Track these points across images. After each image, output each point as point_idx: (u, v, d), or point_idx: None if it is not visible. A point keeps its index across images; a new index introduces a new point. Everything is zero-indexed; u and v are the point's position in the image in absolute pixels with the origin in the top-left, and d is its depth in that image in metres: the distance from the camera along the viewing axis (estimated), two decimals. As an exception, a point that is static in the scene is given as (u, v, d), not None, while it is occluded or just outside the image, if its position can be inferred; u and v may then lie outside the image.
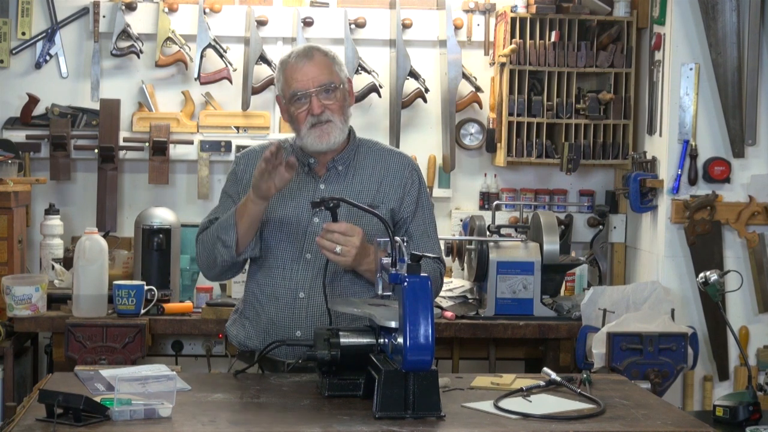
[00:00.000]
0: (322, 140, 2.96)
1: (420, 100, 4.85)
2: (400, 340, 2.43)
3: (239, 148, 4.73)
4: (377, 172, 3.06)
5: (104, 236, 4.24)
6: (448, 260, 4.64)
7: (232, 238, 2.92)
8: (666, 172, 4.42)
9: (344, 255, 2.83)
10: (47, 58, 4.77)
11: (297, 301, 2.98)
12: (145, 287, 4.10)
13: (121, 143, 4.74)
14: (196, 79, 4.75)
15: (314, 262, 2.98)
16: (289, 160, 2.84)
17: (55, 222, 4.60)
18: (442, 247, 4.50)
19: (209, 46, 4.73)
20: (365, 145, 3.11)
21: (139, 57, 4.77)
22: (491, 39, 4.85)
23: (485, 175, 4.94)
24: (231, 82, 4.77)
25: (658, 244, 4.49)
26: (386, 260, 2.59)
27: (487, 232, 4.38)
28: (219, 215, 3.04)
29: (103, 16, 4.75)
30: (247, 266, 3.13)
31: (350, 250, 2.82)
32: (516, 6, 4.69)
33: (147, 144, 4.73)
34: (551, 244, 4.28)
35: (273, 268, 3.01)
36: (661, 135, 4.48)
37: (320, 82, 2.96)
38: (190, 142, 4.77)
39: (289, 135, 3.23)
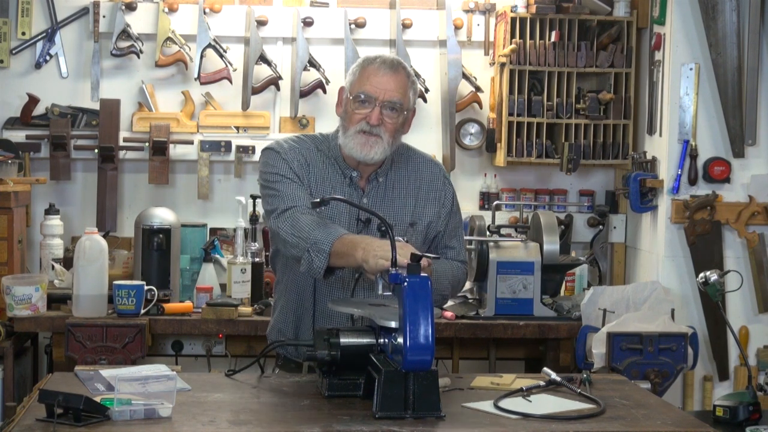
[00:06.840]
0: (363, 150, 2.92)
1: (420, 100, 4.85)
2: (400, 340, 2.43)
3: (239, 148, 4.74)
4: (412, 185, 3.05)
5: (104, 236, 4.24)
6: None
7: (323, 265, 2.80)
8: (666, 172, 4.42)
9: None
10: (47, 58, 4.77)
11: None
12: (145, 287, 4.10)
13: (121, 143, 4.74)
14: (196, 79, 4.75)
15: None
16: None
17: (55, 222, 4.60)
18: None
19: (209, 46, 4.73)
20: (397, 149, 3.06)
21: (139, 57, 4.77)
22: (491, 39, 4.85)
23: (485, 175, 4.94)
24: (231, 82, 4.77)
25: (658, 244, 4.49)
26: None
27: (487, 232, 4.37)
28: (299, 203, 2.90)
29: (103, 16, 4.75)
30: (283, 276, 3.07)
31: None
32: (516, 6, 4.69)
33: (147, 144, 4.73)
34: (551, 244, 4.28)
35: (332, 281, 2.94)
36: (661, 135, 4.48)
37: (391, 97, 2.92)
38: (190, 142, 4.77)
39: (301, 133, 3.20)
